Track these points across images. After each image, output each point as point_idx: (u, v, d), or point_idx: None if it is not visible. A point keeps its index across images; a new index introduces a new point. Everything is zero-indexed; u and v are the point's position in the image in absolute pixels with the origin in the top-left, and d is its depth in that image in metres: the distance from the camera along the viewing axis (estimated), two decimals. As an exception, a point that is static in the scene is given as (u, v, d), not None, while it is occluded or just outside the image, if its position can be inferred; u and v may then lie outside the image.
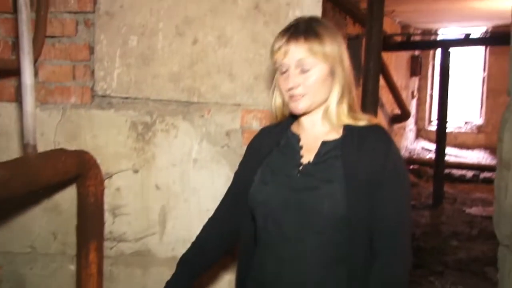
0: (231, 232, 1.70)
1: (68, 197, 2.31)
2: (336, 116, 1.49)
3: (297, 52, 1.43)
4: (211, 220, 1.77)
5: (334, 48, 1.46)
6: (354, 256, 1.44)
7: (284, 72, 1.47)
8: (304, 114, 1.53)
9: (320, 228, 1.44)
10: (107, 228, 2.29)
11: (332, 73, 1.47)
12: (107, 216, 2.29)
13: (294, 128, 1.60)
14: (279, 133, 1.61)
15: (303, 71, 1.44)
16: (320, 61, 1.44)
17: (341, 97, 1.49)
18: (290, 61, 1.45)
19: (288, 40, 1.44)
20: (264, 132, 1.70)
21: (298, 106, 1.47)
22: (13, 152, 2.30)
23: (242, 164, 1.71)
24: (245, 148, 2.22)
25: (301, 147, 1.54)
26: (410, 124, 11.64)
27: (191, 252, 1.73)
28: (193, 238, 2.29)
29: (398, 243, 1.44)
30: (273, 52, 1.48)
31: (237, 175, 1.72)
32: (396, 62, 9.90)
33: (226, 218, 1.71)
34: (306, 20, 1.49)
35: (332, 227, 1.43)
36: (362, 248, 1.44)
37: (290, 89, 1.45)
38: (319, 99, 1.49)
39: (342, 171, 1.44)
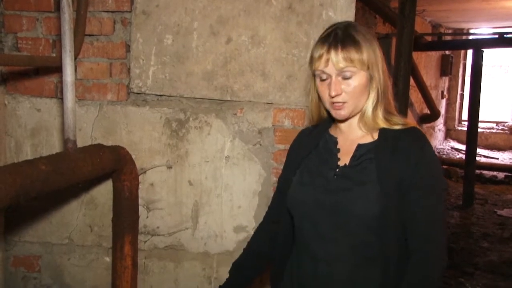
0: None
1: (104, 191, 2.39)
2: (372, 120, 1.52)
3: (338, 61, 1.45)
4: (260, 225, 1.83)
5: (371, 54, 1.48)
6: (386, 257, 1.46)
7: (325, 80, 1.50)
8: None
9: (353, 229, 1.47)
10: (141, 222, 2.35)
11: (370, 79, 1.50)
12: (141, 211, 2.34)
13: (332, 130, 1.64)
14: (318, 135, 1.65)
15: (345, 79, 1.47)
16: (360, 68, 1.46)
17: (377, 101, 1.52)
18: (331, 70, 1.47)
19: (329, 49, 1.46)
20: (303, 134, 1.74)
21: (341, 113, 1.51)
22: (52, 146, 2.38)
23: (284, 168, 1.75)
24: (277, 146, 2.27)
25: (338, 150, 1.58)
26: (439, 124, 11.49)
27: (243, 257, 1.79)
28: (225, 234, 2.35)
29: (432, 243, 1.44)
30: (313, 60, 1.50)
31: (280, 179, 1.76)
32: (426, 61, 9.79)
33: (275, 222, 1.74)
34: (343, 27, 1.50)
35: (365, 228, 1.46)
36: (395, 249, 1.46)
37: (332, 97, 1.48)
38: (360, 105, 1.52)
39: (376, 173, 1.46)
